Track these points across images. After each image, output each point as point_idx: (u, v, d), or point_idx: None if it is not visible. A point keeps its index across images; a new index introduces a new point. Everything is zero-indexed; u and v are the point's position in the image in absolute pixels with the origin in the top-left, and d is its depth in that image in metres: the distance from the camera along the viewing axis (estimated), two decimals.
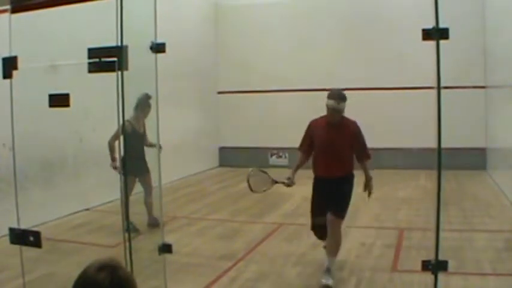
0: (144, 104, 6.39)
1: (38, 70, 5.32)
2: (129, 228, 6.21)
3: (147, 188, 6.59)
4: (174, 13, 9.86)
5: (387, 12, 11.22)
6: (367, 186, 4.80)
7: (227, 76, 12.63)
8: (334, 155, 4.66)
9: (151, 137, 6.42)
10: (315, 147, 4.78)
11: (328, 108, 4.62)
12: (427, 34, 3.20)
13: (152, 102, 5.97)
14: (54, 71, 6.08)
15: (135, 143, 6.41)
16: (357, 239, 6.09)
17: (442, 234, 3.41)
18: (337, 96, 4.61)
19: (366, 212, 7.34)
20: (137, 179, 6.42)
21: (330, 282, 4.52)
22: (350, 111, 11.08)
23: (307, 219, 7.10)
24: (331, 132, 4.67)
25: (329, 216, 4.64)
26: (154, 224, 6.28)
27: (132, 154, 6.39)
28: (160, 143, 4.01)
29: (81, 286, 1.51)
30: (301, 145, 4.94)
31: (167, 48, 3.71)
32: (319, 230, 4.89)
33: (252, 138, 12.28)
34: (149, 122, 6.51)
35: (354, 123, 4.78)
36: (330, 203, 4.63)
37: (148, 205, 6.60)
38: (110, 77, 3.29)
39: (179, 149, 10.05)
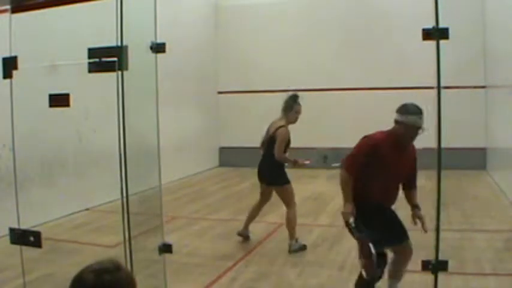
0: (285, 106, 5.87)
1: (38, 70, 5.32)
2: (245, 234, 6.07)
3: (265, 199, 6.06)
4: (174, 13, 9.87)
5: (387, 12, 11.23)
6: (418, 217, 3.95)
7: (227, 76, 12.63)
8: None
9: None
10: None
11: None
12: (427, 34, 3.20)
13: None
14: (54, 71, 6.08)
15: (265, 147, 5.92)
16: None
17: (442, 234, 3.41)
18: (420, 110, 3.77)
19: None
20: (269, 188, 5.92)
21: None
22: (350, 111, 11.14)
23: (307, 219, 7.12)
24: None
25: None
26: (243, 234, 6.05)
27: (263, 157, 5.99)
28: (161, 143, 4.01)
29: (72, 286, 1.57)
30: None
31: (167, 48, 3.71)
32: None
33: (252, 138, 12.19)
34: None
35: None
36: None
37: (252, 213, 6.08)
38: (110, 77, 3.29)
39: (179, 149, 10.05)
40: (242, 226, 6.10)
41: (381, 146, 3.81)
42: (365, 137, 3.92)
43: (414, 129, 3.73)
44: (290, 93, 5.99)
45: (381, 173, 3.81)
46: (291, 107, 5.83)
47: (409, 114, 3.72)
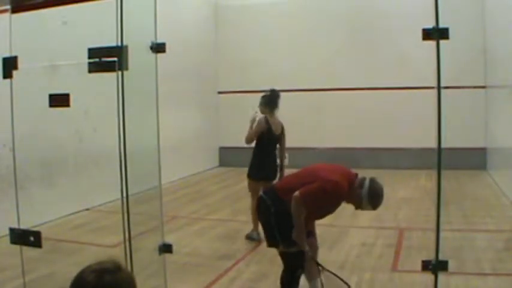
0: (276, 103, 6.02)
1: (38, 70, 5.32)
2: (255, 237, 5.96)
3: None
4: (174, 13, 9.86)
5: (387, 12, 11.22)
6: None
7: (227, 76, 12.63)
8: None
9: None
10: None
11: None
12: (427, 34, 3.19)
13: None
14: (54, 71, 6.08)
15: (265, 143, 6.06)
16: (357, 238, 6.08)
17: (442, 234, 3.41)
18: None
19: (366, 212, 7.31)
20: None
21: None
22: (350, 111, 11.15)
23: None
24: None
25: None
26: (252, 237, 5.96)
27: (261, 154, 6.10)
28: (161, 143, 4.01)
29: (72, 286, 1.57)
30: None
31: (167, 48, 3.71)
32: None
33: None
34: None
35: None
36: None
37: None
38: (110, 77, 3.29)
39: (179, 149, 10.04)
40: (252, 228, 5.99)
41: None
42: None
43: (361, 206, 4.01)
44: (270, 90, 6.22)
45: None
46: (277, 103, 6.07)
47: (374, 200, 3.93)
